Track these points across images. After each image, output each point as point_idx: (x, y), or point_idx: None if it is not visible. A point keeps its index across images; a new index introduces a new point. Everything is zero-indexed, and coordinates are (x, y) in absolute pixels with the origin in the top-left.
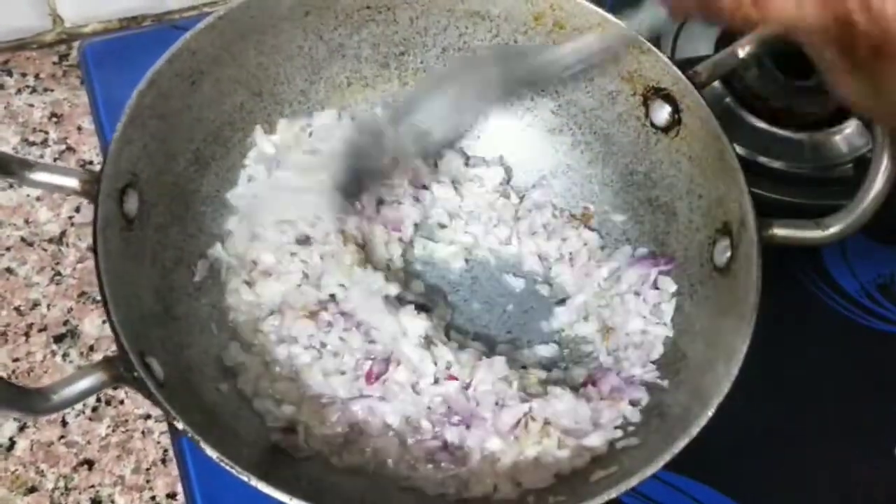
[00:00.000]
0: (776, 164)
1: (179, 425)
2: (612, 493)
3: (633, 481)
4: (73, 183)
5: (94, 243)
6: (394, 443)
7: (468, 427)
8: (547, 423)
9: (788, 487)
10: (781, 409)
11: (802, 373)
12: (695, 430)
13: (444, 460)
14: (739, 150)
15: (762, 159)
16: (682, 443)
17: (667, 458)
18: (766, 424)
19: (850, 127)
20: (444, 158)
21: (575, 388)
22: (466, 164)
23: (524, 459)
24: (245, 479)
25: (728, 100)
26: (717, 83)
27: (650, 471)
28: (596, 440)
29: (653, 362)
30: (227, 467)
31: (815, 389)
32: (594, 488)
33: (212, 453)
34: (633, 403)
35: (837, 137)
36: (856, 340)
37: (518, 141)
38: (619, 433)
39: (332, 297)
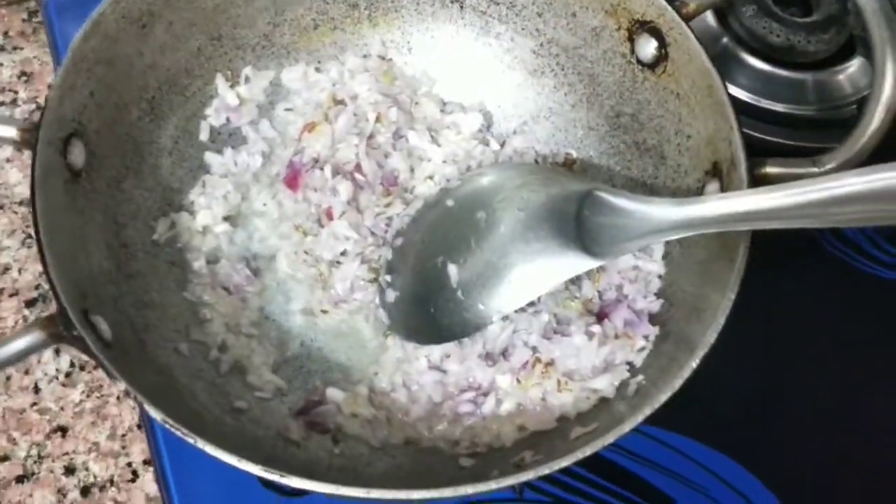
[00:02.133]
0: (778, 107)
1: (121, 386)
2: (588, 451)
3: (610, 437)
4: (10, 132)
5: (31, 194)
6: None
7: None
8: (549, 364)
9: (782, 440)
10: (781, 359)
11: (803, 321)
12: (678, 383)
13: (467, 410)
14: (739, 92)
15: (763, 102)
16: (663, 396)
17: (647, 412)
18: (764, 375)
19: (855, 65)
20: (418, 105)
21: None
22: (443, 111)
23: (529, 402)
24: (191, 441)
25: (725, 40)
26: (713, 22)
27: (628, 426)
28: (602, 383)
29: (654, 294)
30: (172, 429)
31: (814, 338)
32: (572, 445)
33: (156, 414)
34: (646, 338)
35: (841, 77)
36: (858, 288)
37: (498, 85)
38: (627, 375)
39: None
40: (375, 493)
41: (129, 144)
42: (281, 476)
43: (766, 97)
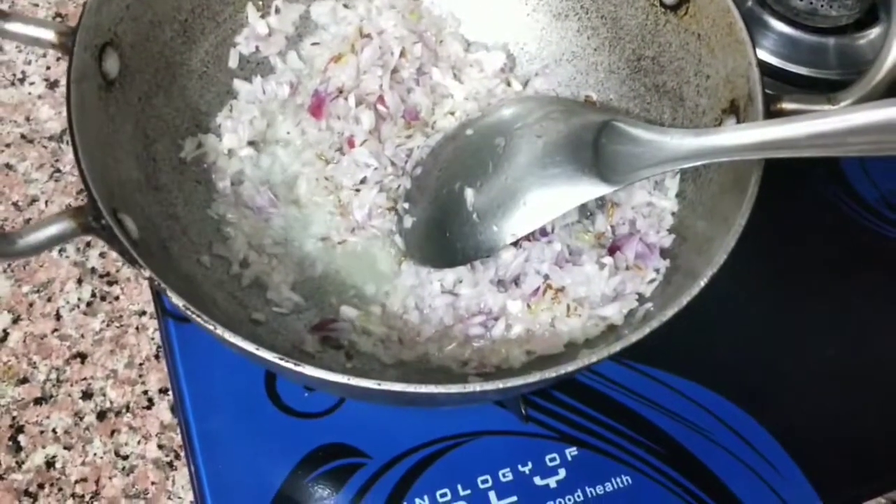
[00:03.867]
0: (801, 70)
1: (146, 273)
2: (593, 358)
3: (616, 347)
4: (49, 35)
5: (66, 93)
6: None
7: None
8: (560, 290)
9: (781, 384)
10: (783, 305)
11: (807, 271)
12: (685, 300)
13: (478, 333)
14: (762, 54)
15: (786, 65)
16: (670, 312)
17: (646, 331)
18: (765, 320)
19: (876, 32)
20: (443, 43)
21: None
22: (467, 50)
23: (538, 327)
24: (210, 327)
25: (749, 3)
26: None
27: (634, 338)
28: (611, 310)
29: (667, 230)
30: (193, 315)
31: (816, 287)
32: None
33: (177, 300)
34: (656, 271)
35: (864, 41)
36: (874, 249)
37: (522, 27)
38: (636, 304)
39: None
40: (386, 385)
41: (161, 62)
42: (296, 365)
43: (788, 60)
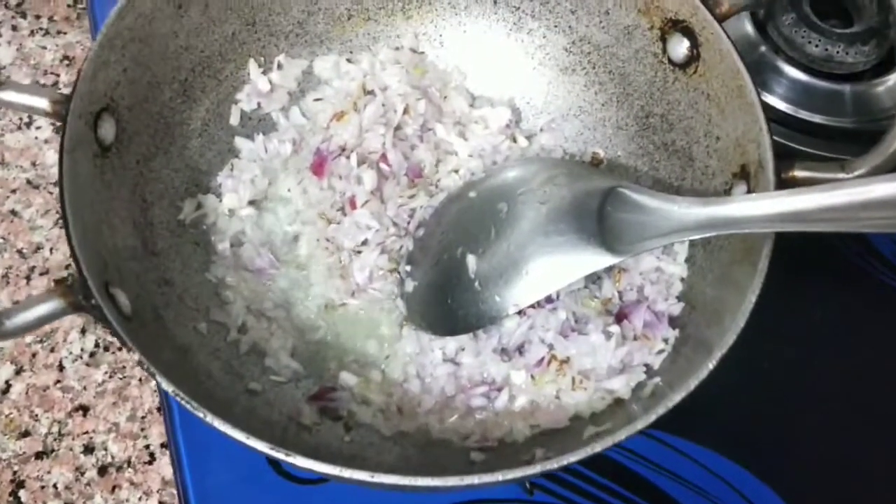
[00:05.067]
0: (815, 118)
1: (136, 356)
2: (598, 448)
3: (622, 435)
4: (42, 103)
5: (59, 163)
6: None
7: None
8: (565, 362)
9: (795, 450)
10: (796, 368)
11: (820, 330)
12: (693, 383)
13: (480, 405)
14: (775, 102)
15: (800, 112)
16: (677, 397)
17: (660, 412)
18: (779, 384)
19: (894, 79)
20: (447, 98)
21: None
22: (472, 105)
23: (543, 399)
24: (200, 415)
25: (763, 48)
26: (750, 30)
27: (640, 425)
28: (618, 383)
29: (676, 297)
30: (183, 402)
31: (831, 347)
32: (584, 444)
33: (167, 386)
34: (665, 341)
35: (881, 89)
36: (879, 297)
37: (528, 80)
38: (644, 376)
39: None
40: (379, 478)
41: (160, 124)
42: (286, 455)
43: (802, 107)
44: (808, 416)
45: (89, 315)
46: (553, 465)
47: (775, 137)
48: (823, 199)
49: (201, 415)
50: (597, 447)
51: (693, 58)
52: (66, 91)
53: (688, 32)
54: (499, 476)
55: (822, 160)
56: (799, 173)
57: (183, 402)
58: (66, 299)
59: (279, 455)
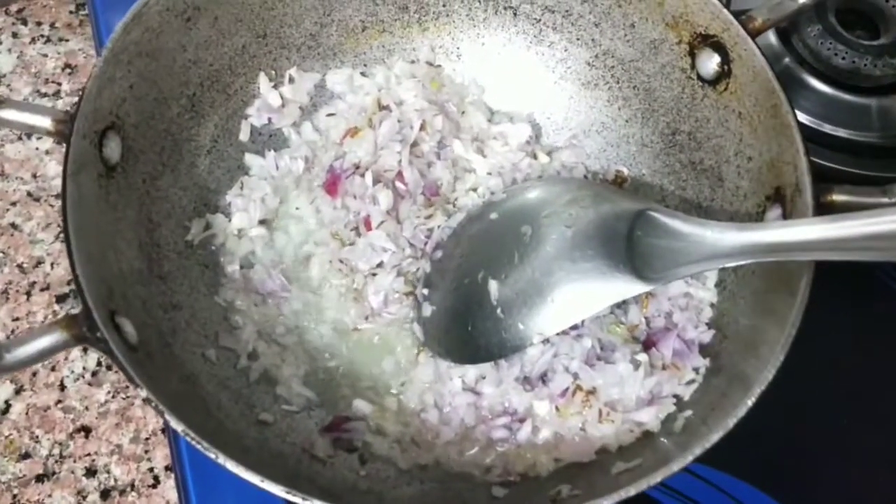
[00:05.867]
0: (841, 132)
1: (143, 393)
2: (632, 491)
3: (657, 477)
4: (45, 122)
5: (62, 188)
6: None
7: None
8: (591, 392)
9: (833, 484)
10: (835, 399)
11: (859, 360)
12: (731, 422)
13: (502, 437)
14: (799, 115)
15: (825, 127)
16: (714, 436)
17: (697, 452)
18: (816, 415)
19: None
20: (465, 114)
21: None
22: (490, 121)
23: (568, 431)
24: (212, 456)
25: (787, 60)
26: (775, 42)
27: (677, 465)
28: (647, 416)
29: (706, 324)
30: (193, 442)
31: (869, 377)
32: (614, 482)
33: (177, 425)
34: (695, 370)
35: None
36: None
37: (548, 95)
38: (674, 408)
39: None
40: None
41: (167, 141)
42: (304, 499)
43: (827, 121)
44: (849, 450)
45: (94, 347)
46: None
47: None
48: (867, 227)
49: (213, 455)
50: (631, 490)
51: (724, 74)
52: (69, 100)
53: (718, 48)
54: None
55: (847, 175)
56: (838, 197)
57: (193, 443)
58: (69, 332)
59: (296, 499)
